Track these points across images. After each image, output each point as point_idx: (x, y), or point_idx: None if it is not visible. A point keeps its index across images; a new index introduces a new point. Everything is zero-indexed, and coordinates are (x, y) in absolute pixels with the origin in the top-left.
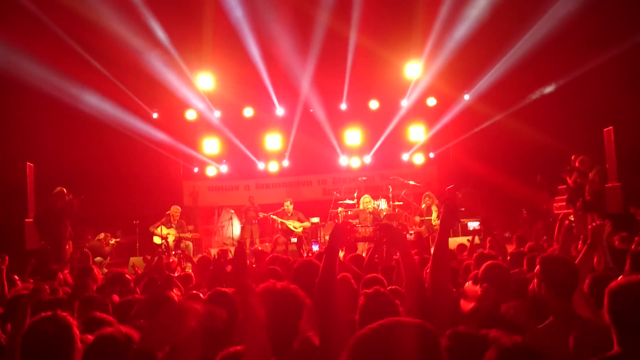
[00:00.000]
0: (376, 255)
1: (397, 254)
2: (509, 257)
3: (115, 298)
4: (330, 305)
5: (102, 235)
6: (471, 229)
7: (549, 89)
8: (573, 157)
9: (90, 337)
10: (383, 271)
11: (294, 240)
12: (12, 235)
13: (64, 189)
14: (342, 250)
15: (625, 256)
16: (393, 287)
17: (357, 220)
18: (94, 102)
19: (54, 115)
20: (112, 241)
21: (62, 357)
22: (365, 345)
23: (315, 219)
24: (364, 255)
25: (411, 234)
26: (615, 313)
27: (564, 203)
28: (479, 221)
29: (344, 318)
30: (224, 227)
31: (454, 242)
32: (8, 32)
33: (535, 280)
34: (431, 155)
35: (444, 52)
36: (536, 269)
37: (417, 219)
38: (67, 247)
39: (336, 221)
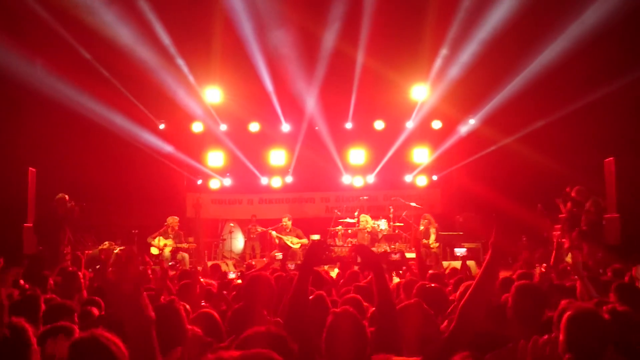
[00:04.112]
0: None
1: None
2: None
3: (95, 311)
4: (299, 322)
5: (106, 244)
6: (459, 254)
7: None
8: (567, 188)
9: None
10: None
11: (279, 256)
12: (10, 239)
13: (66, 196)
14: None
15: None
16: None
17: (355, 239)
18: (101, 111)
19: (60, 122)
20: (117, 250)
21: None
22: None
23: (316, 236)
24: None
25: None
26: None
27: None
28: (466, 248)
29: (311, 336)
30: (225, 241)
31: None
32: (18, 40)
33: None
34: (434, 177)
35: (451, 76)
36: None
37: None
38: (64, 252)
39: (336, 240)
